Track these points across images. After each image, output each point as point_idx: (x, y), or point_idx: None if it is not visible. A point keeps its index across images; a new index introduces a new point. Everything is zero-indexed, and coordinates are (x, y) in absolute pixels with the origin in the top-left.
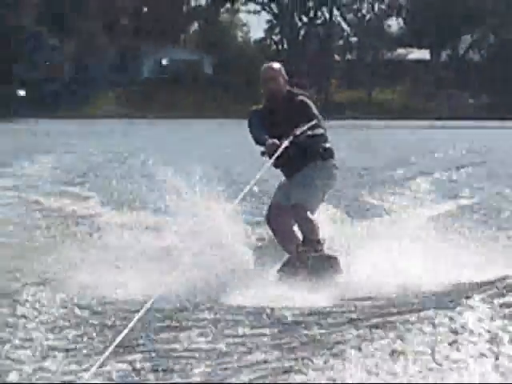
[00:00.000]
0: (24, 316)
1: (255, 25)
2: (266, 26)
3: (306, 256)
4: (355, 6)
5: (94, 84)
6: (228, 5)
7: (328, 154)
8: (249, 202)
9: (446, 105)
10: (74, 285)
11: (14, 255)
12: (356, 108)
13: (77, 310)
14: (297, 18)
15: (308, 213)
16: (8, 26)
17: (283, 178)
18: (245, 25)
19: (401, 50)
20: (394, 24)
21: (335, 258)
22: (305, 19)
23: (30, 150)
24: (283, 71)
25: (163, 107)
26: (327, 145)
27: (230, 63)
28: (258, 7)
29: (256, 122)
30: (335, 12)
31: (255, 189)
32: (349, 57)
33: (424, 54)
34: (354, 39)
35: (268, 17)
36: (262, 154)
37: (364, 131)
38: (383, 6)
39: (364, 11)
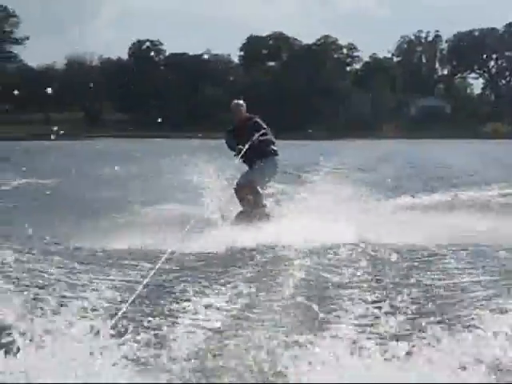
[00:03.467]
0: None
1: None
2: (482, 86)
3: (253, 212)
4: None
5: (381, 119)
6: (459, 75)
7: (274, 153)
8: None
9: None
10: None
11: None
12: None
13: None
14: (498, 82)
15: (258, 188)
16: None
17: (247, 168)
18: (471, 85)
19: None
20: None
21: (269, 215)
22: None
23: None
24: (244, 105)
25: (423, 134)
26: (274, 147)
27: (463, 108)
28: (477, 75)
29: (229, 136)
30: None
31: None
32: None
33: None
34: None
35: (482, 80)
36: (235, 155)
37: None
38: None
39: None
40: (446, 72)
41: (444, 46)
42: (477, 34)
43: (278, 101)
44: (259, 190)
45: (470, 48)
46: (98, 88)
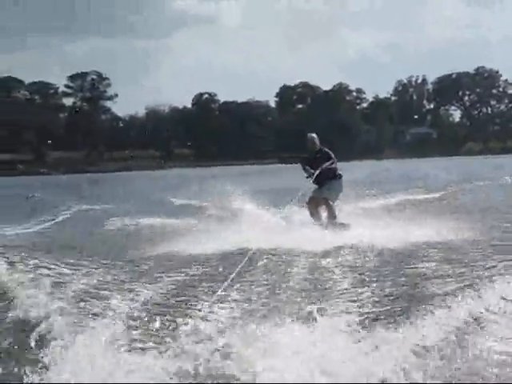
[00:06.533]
0: None
1: (455, 115)
2: (459, 115)
3: (329, 223)
4: None
5: (384, 144)
6: (442, 108)
7: (339, 176)
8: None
9: None
10: None
11: None
12: None
13: None
14: (472, 112)
15: (330, 202)
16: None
17: (316, 187)
18: (452, 115)
19: None
20: None
21: (346, 224)
22: (475, 112)
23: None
24: (317, 138)
25: (416, 155)
26: (339, 172)
27: (446, 133)
28: (455, 108)
29: (304, 162)
30: None
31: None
32: None
33: None
34: None
35: (460, 111)
36: (307, 177)
37: None
38: None
39: None
40: (432, 106)
41: (430, 86)
42: (454, 76)
43: (305, 135)
44: (331, 203)
45: (450, 87)
46: (169, 130)
